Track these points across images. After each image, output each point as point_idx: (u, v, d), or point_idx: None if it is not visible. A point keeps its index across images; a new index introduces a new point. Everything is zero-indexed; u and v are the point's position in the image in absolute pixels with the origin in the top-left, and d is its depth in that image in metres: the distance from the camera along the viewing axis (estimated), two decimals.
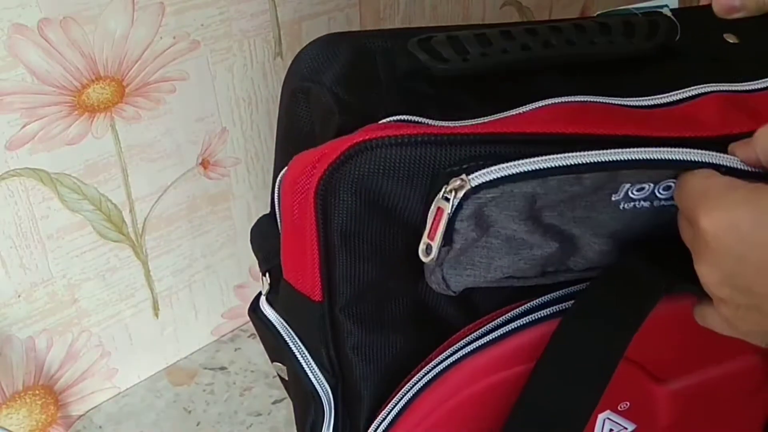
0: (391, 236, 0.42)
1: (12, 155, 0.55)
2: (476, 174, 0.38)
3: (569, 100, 0.42)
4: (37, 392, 0.64)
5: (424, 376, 0.45)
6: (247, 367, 0.73)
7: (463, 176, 0.38)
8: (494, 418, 0.46)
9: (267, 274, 0.50)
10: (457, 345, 0.45)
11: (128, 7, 0.55)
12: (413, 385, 0.45)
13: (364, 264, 0.43)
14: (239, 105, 0.66)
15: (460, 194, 0.38)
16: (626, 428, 0.49)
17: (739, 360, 0.48)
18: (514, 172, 0.38)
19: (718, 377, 0.49)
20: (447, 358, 0.45)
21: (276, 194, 0.47)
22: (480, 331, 0.45)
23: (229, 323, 0.76)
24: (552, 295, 0.44)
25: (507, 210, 0.39)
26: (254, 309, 0.51)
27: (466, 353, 0.44)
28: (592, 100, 0.43)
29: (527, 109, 0.42)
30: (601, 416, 0.48)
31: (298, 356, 0.47)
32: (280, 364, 0.52)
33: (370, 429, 0.46)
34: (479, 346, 0.44)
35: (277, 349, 0.50)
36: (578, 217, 0.41)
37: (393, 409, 0.46)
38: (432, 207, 0.39)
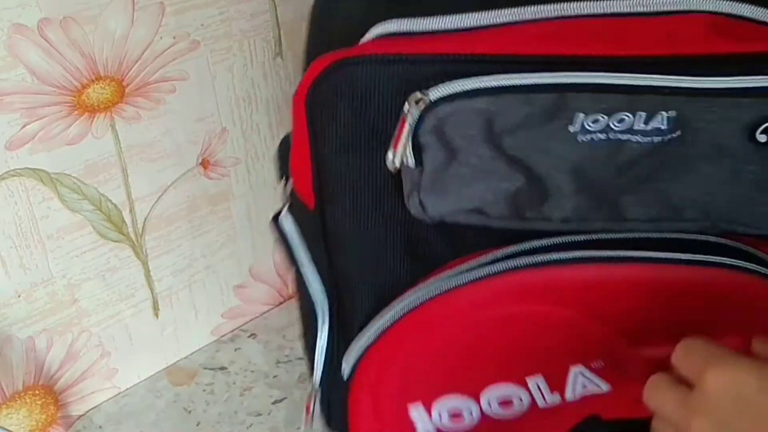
0: (378, 154, 0.44)
1: (12, 155, 0.55)
2: (434, 89, 0.41)
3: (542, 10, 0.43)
4: (37, 392, 0.64)
5: (407, 302, 0.47)
6: (247, 367, 0.73)
7: (424, 91, 0.41)
8: (466, 355, 0.49)
9: (285, 185, 0.53)
10: (440, 276, 0.47)
11: (128, 7, 0.55)
12: (398, 310, 0.47)
13: (353, 179, 0.45)
14: (239, 105, 0.66)
15: (421, 106, 0.41)
16: (600, 387, 0.50)
17: (721, 342, 0.49)
18: (466, 88, 0.41)
19: None
20: (429, 288, 0.47)
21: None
22: (465, 265, 0.47)
23: (229, 323, 0.76)
24: (533, 243, 0.46)
25: (466, 128, 0.42)
26: (275, 220, 0.54)
27: (447, 288, 0.46)
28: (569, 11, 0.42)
29: (503, 20, 0.43)
30: (573, 369, 0.49)
31: (300, 267, 0.51)
32: (294, 268, 0.55)
33: (351, 347, 0.49)
34: (461, 282, 0.46)
35: (288, 258, 0.53)
36: (538, 148, 0.42)
37: (376, 329, 0.48)
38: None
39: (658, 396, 0.42)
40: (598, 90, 0.40)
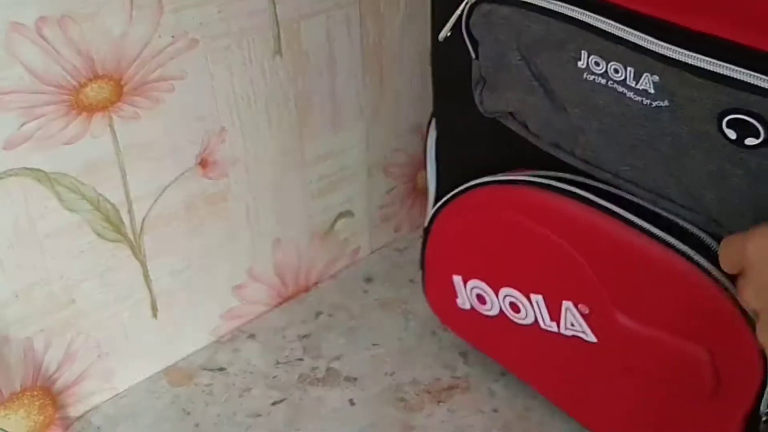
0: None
1: (9, 155, 0.55)
2: None
3: None
4: (35, 393, 0.64)
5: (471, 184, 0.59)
6: (246, 368, 0.73)
7: None
8: (490, 251, 0.60)
9: None
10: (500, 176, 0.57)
11: (126, 6, 0.55)
12: (460, 189, 0.60)
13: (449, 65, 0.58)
14: (238, 104, 0.66)
15: (470, 3, 0.50)
16: (586, 335, 0.55)
17: (689, 348, 0.50)
18: None
19: (665, 349, 0.51)
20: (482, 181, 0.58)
21: None
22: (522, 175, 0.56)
23: (227, 324, 0.76)
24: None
25: (504, 32, 0.49)
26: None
27: (487, 181, 0.58)
28: None
29: None
30: (565, 303, 0.55)
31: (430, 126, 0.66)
32: None
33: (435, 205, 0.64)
34: (491, 181, 0.58)
35: None
36: (554, 72, 0.48)
37: (445, 199, 0.62)
38: None
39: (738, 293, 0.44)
40: (603, 35, 0.44)
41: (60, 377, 0.65)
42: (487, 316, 0.63)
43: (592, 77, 0.46)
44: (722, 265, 0.44)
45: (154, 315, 0.69)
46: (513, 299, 0.59)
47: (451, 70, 0.57)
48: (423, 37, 0.78)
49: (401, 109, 0.80)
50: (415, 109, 0.82)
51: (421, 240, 0.68)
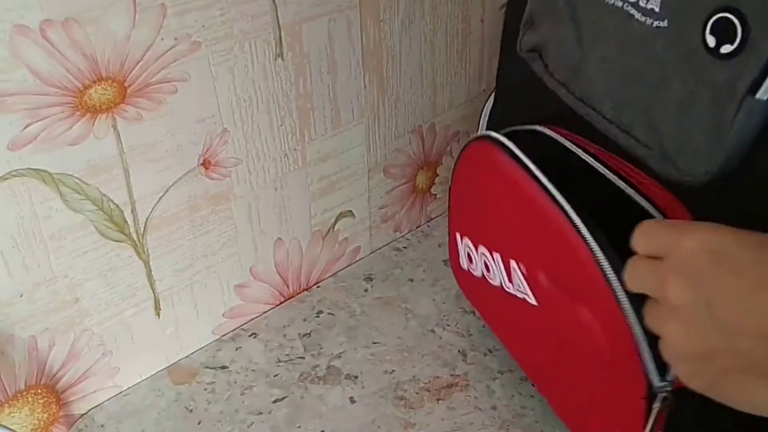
0: None
1: (14, 156, 0.55)
2: None
3: None
4: (39, 391, 0.64)
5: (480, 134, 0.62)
6: (248, 366, 0.73)
7: None
8: (476, 208, 0.63)
9: None
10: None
11: (130, 9, 0.56)
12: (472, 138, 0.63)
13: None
14: (240, 106, 0.66)
15: None
16: (528, 297, 0.58)
17: (582, 312, 0.53)
18: None
19: (570, 310, 0.54)
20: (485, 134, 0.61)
21: None
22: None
23: (230, 322, 0.77)
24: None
25: None
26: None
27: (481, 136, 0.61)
28: None
29: None
30: (511, 261, 0.59)
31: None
32: None
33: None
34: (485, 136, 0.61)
35: None
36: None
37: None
38: None
39: (635, 273, 0.43)
40: None
41: (64, 375, 0.66)
42: (475, 278, 0.66)
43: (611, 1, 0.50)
44: (636, 244, 0.43)
45: (157, 314, 0.70)
46: (485, 258, 0.62)
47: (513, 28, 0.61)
48: (422, 38, 0.78)
49: (401, 109, 0.81)
50: (415, 109, 0.82)
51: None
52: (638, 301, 0.44)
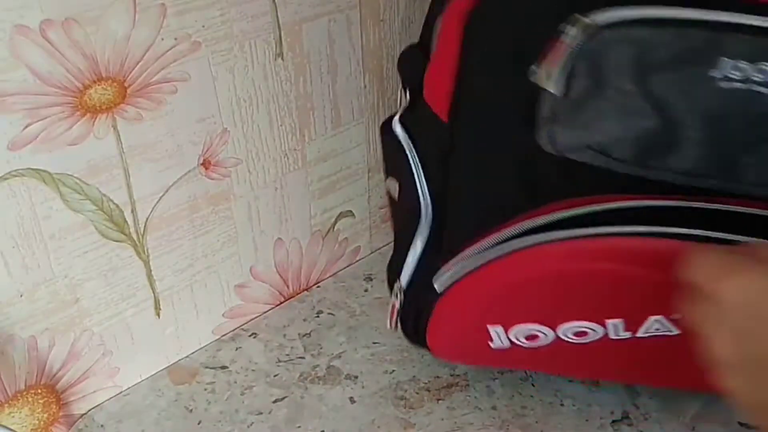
0: (522, 78, 0.46)
1: (14, 155, 0.55)
2: (601, 14, 0.42)
3: None
4: (39, 391, 0.64)
5: (503, 241, 0.51)
6: (248, 366, 0.73)
7: (590, 14, 0.42)
8: (552, 296, 0.53)
9: (407, 92, 0.56)
10: (542, 219, 0.50)
11: (130, 9, 0.56)
12: (503, 247, 0.51)
13: (491, 98, 0.49)
14: (240, 106, 0.66)
15: (588, 31, 0.43)
16: (671, 331, 0.54)
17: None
18: (632, 17, 0.42)
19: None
20: (528, 232, 0.51)
21: (438, 19, 0.51)
22: (568, 213, 0.50)
23: (230, 322, 0.77)
24: (636, 203, 0.49)
25: (618, 59, 0.43)
26: (385, 126, 0.58)
27: (544, 240, 0.50)
28: None
29: None
30: (652, 318, 0.53)
31: (413, 168, 0.55)
32: (393, 180, 0.60)
33: (450, 265, 0.54)
34: (559, 238, 0.49)
35: (396, 163, 0.58)
36: (680, 88, 0.44)
37: (479, 258, 0.52)
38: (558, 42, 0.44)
39: (684, 303, 0.42)
40: (752, 32, 0.41)
41: (64, 375, 0.66)
42: (534, 347, 0.59)
43: (727, 84, 0.43)
44: (695, 274, 0.42)
45: (157, 314, 0.70)
46: (580, 329, 0.56)
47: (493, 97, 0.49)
48: None
49: None
50: None
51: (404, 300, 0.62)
52: None
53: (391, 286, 0.64)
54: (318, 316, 0.79)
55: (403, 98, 0.58)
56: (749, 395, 0.39)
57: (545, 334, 0.56)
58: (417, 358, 0.73)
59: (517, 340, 0.57)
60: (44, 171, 0.57)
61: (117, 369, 0.69)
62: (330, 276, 0.84)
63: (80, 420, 0.68)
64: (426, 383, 0.71)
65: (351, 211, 0.82)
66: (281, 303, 0.81)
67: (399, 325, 0.63)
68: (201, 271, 0.71)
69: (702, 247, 0.42)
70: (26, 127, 0.55)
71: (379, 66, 0.76)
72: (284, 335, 0.77)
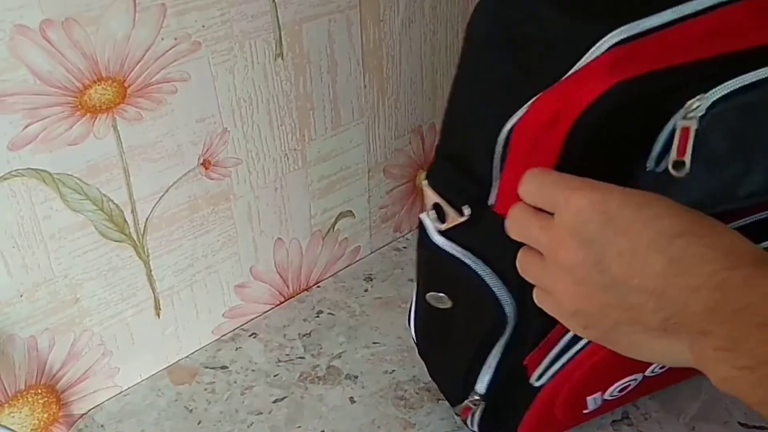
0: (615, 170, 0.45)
1: (14, 155, 0.55)
2: (712, 91, 0.43)
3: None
4: (39, 391, 0.64)
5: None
6: (248, 366, 0.73)
7: (700, 96, 0.42)
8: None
9: (461, 210, 0.53)
10: None
11: (130, 9, 0.56)
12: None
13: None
14: (240, 106, 0.66)
15: (701, 111, 0.43)
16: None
17: None
18: (742, 84, 0.43)
19: None
20: None
21: (504, 136, 0.49)
22: None
23: (230, 322, 0.77)
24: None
25: (726, 123, 0.44)
26: (424, 243, 0.56)
27: None
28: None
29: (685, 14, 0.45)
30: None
31: (487, 280, 0.53)
32: (439, 294, 0.58)
33: (547, 360, 0.54)
34: None
35: (447, 276, 0.56)
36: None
37: (574, 351, 0.53)
38: (668, 129, 0.44)
39: (522, 225, 0.44)
40: None
41: (64, 375, 0.66)
42: (622, 395, 0.60)
43: None
44: (523, 193, 0.43)
45: (157, 314, 0.70)
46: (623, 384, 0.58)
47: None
48: (422, 38, 0.78)
49: (401, 109, 0.81)
50: (415, 109, 0.82)
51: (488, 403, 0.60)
52: None
53: (456, 400, 0.62)
54: (318, 316, 0.79)
55: (450, 214, 0.54)
56: (588, 303, 0.41)
57: (636, 380, 0.58)
58: (417, 358, 0.73)
59: (611, 396, 0.58)
60: (44, 171, 0.57)
61: (117, 369, 0.69)
62: (330, 276, 0.84)
63: (80, 420, 0.68)
64: (426, 383, 0.71)
65: (351, 211, 0.83)
66: (281, 303, 0.81)
67: (478, 427, 0.62)
68: (201, 271, 0.71)
69: (536, 170, 0.43)
70: (26, 127, 0.55)
71: (379, 66, 0.76)
72: (284, 335, 0.77)
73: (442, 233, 0.55)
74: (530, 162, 0.46)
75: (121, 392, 0.71)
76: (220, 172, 0.68)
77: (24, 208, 0.57)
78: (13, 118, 0.54)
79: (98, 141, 0.59)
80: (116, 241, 0.64)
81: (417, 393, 0.70)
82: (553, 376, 0.55)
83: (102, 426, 0.68)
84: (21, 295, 0.60)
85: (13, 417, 0.64)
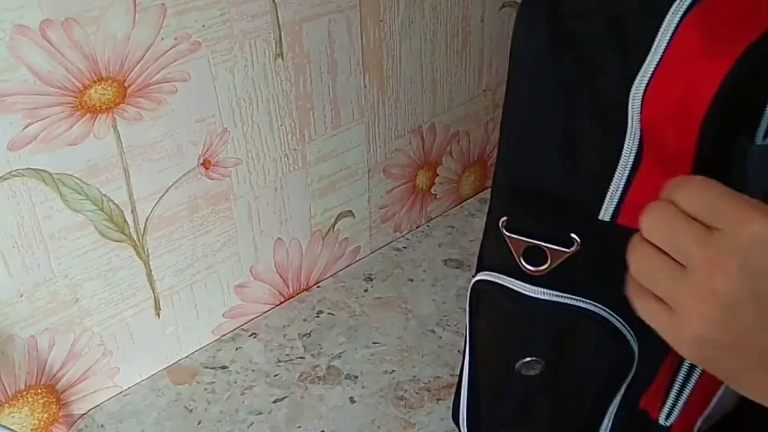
0: None
1: (14, 156, 0.55)
2: None
3: None
4: (39, 391, 0.64)
5: None
6: (248, 366, 0.73)
7: None
8: None
9: (567, 241, 0.47)
10: None
11: (130, 9, 0.56)
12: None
13: None
14: (240, 106, 0.66)
15: None
16: None
17: None
18: None
19: None
20: None
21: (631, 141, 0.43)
22: None
23: (230, 322, 0.77)
24: None
25: None
26: (505, 307, 0.50)
27: None
28: None
29: None
30: None
31: (602, 315, 0.47)
32: (532, 359, 0.51)
33: (666, 406, 0.50)
34: None
35: (545, 333, 0.50)
36: None
37: (680, 382, 0.49)
38: None
39: (670, 229, 0.38)
40: None
41: (64, 375, 0.66)
42: None
43: None
44: (683, 198, 0.38)
45: (157, 314, 0.70)
46: None
47: None
48: (422, 38, 0.78)
49: (401, 109, 0.81)
50: (415, 109, 0.82)
51: None
52: None
53: None
54: (318, 316, 0.79)
55: (551, 251, 0.48)
56: (727, 335, 0.37)
57: None
58: (417, 358, 0.73)
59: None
60: (44, 171, 0.57)
61: (117, 369, 0.69)
62: (330, 276, 0.84)
63: (80, 420, 0.68)
64: (426, 383, 0.71)
65: (351, 211, 0.83)
66: (281, 303, 0.81)
67: None
68: (201, 271, 0.71)
69: (700, 180, 0.38)
70: (26, 127, 0.55)
71: (379, 66, 0.76)
72: (284, 335, 0.77)
73: (536, 282, 0.48)
74: (666, 155, 0.41)
75: (121, 392, 0.71)
76: (220, 172, 0.68)
77: (24, 208, 0.57)
78: (13, 118, 0.54)
79: (98, 141, 0.59)
80: (116, 241, 0.64)
81: (417, 393, 0.70)
82: (680, 410, 0.50)
83: (102, 426, 0.68)
84: (21, 295, 0.60)
85: (13, 417, 0.64)
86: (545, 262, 0.47)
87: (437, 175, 0.90)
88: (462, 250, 0.87)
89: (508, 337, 0.52)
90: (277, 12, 0.65)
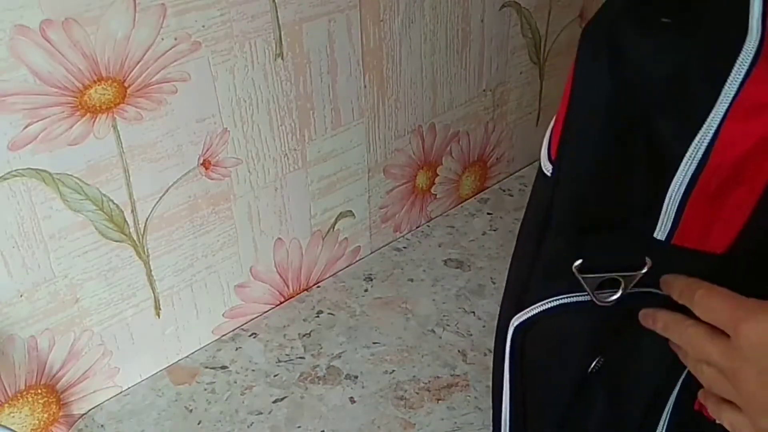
0: None
1: (14, 155, 0.55)
2: None
3: None
4: (39, 391, 0.65)
5: None
6: (248, 366, 0.73)
7: None
8: None
9: (639, 266, 0.47)
10: None
11: (130, 9, 0.56)
12: None
13: None
14: (240, 106, 0.66)
15: None
16: None
17: None
18: None
19: None
20: None
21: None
22: None
23: (230, 322, 0.77)
24: None
25: None
26: (582, 314, 0.49)
27: None
28: None
29: None
30: None
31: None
32: (598, 359, 0.52)
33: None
34: None
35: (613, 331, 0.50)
36: None
37: None
38: None
39: (698, 350, 0.42)
40: None
41: (64, 375, 0.66)
42: None
43: None
44: (698, 309, 0.41)
45: (157, 314, 0.70)
46: None
47: None
48: (422, 38, 0.78)
49: (401, 109, 0.81)
50: (415, 109, 0.82)
51: None
52: None
53: None
54: (318, 316, 0.79)
55: (625, 280, 0.47)
56: None
57: None
58: (417, 358, 0.73)
59: None
60: (44, 171, 0.57)
61: (117, 369, 0.69)
62: (330, 276, 0.84)
63: (80, 420, 0.68)
64: (426, 383, 0.71)
65: (351, 211, 0.83)
66: (281, 303, 0.81)
67: None
68: (201, 271, 0.71)
69: (706, 286, 0.42)
70: (26, 127, 0.55)
71: (379, 66, 0.76)
72: (284, 335, 0.77)
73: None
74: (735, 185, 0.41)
75: (121, 392, 0.71)
76: (220, 172, 0.68)
77: (24, 208, 0.57)
78: (13, 118, 0.54)
79: (98, 141, 0.59)
80: (116, 241, 0.64)
81: (417, 393, 0.70)
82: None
83: (102, 426, 0.68)
84: (21, 295, 0.60)
85: (13, 417, 0.64)
86: (617, 287, 0.47)
87: (437, 175, 0.90)
88: (462, 250, 0.87)
89: (566, 348, 0.52)
90: (277, 12, 0.65)
